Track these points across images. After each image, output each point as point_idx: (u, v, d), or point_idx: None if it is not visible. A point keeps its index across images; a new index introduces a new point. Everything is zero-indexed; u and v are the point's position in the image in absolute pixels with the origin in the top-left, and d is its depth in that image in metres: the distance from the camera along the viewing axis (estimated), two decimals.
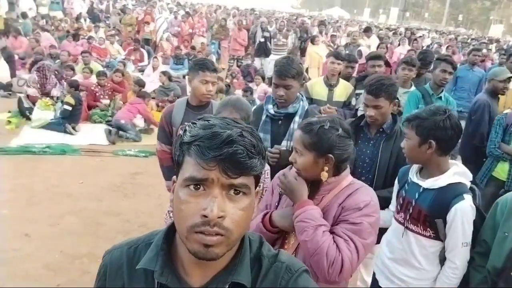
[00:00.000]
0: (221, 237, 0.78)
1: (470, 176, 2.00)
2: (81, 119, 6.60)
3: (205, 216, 0.77)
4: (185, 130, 0.83)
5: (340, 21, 25.91)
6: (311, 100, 4.41)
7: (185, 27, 13.43)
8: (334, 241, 1.53)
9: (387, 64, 5.20)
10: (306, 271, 0.93)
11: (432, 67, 3.98)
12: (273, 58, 10.93)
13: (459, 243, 1.89)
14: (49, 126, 6.34)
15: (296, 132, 1.68)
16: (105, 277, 0.95)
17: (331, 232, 1.57)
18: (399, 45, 11.96)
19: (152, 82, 8.67)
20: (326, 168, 1.63)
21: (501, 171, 3.72)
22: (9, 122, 6.29)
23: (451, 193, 1.90)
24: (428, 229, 1.97)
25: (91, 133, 6.45)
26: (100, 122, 6.82)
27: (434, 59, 4.06)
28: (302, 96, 2.74)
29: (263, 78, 9.16)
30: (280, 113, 2.61)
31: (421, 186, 2.00)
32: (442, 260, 2.01)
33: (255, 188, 0.86)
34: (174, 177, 0.87)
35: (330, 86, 4.44)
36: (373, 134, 2.61)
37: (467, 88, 6.31)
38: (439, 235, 1.96)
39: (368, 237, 1.56)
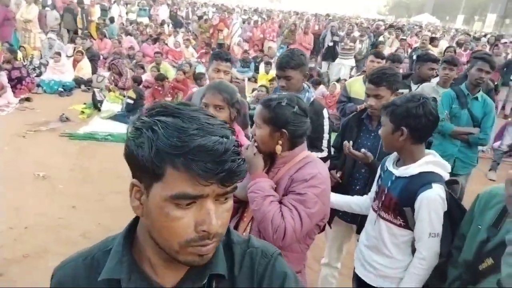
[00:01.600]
0: (215, 243, 0.78)
1: (447, 167, 1.93)
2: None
3: (204, 231, 0.74)
4: (154, 131, 0.72)
5: (428, 26, 24.73)
6: (349, 99, 4.39)
7: (256, 32, 13.86)
8: (280, 210, 1.64)
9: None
10: (280, 254, 0.92)
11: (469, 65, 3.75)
12: (339, 62, 10.87)
13: (426, 233, 1.84)
14: (115, 117, 7.00)
15: (258, 106, 1.79)
16: None
17: (280, 202, 1.68)
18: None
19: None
20: (280, 142, 1.73)
21: None
22: (82, 112, 7.06)
23: (420, 182, 1.85)
24: (398, 217, 1.94)
25: None
26: None
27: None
28: (308, 87, 2.81)
29: (328, 82, 9.23)
30: None
31: (394, 174, 1.98)
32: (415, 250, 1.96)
33: None
34: (135, 180, 0.77)
35: None
36: (374, 127, 2.58)
37: None
38: (409, 224, 1.92)
39: (313, 206, 1.65)
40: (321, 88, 8.72)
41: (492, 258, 1.55)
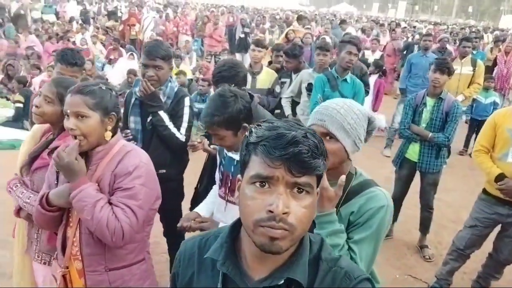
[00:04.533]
0: (286, 232, 0.82)
1: None
2: None
3: (271, 212, 0.81)
4: (250, 131, 0.88)
5: (346, 16, 25.70)
6: None
7: (170, 26, 13.56)
8: (113, 212, 1.59)
9: None
10: (367, 279, 0.93)
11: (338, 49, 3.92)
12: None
13: None
14: (7, 123, 6.50)
15: (73, 97, 1.63)
16: (179, 264, 1.05)
17: (110, 202, 1.62)
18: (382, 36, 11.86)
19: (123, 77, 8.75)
20: (109, 127, 1.68)
21: (412, 152, 3.66)
22: None
23: None
24: None
25: None
26: None
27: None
28: (170, 77, 2.75)
29: None
30: None
31: (234, 159, 2.00)
32: None
33: (316, 187, 0.89)
34: (239, 176, 0.91)
35: (253, 74, 4.44)
36: None
37: (421, 74, 6.21)
38: None
39: (143, 197, 1.66)
40: None
41: None
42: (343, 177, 1.28)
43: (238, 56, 11.75)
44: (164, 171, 2.44)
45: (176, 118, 2.66)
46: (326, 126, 1.40)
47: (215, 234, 1.02)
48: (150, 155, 2.43)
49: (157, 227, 2.65)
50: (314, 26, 14.05)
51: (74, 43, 11.15)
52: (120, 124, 1.80)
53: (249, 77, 4.44)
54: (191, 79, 8.26)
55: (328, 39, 6.99)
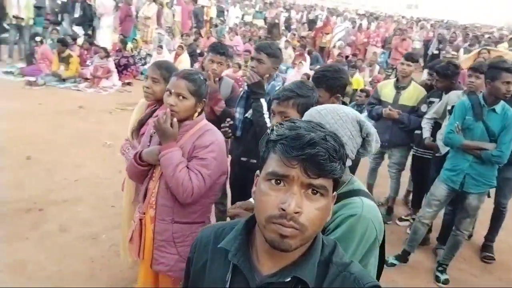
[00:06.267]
0: (296, 231, 0.84)
1: None
2: None
3: (283, 210, 0.83)
4: (272, 129, 0.92)
5: None
6: (379, 101, 4.36)
7: (360, 36, 13.64)
8: (189, 175, 1.99)
9: None
10: (377, 286, 0.93)
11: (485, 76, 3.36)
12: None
13: None
14: None
15: (179, 80, 2.01)
16: (195, 250, 1.08)
17: (187, 166, 2.02)
18: None
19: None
20: (198, 110, 2.09)
21: None
22: None
23: None
24: None
25: None
26: None
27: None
28: (276, 76, 2.96)
29: None
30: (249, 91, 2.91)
31: None
32: None
33: (333, 191, 0.91)
34: (258, 171, 0.95)
35: (398, 89, 4.28)
36: None
37: None
38: None
39: (212, 168, 2.02)
40: None
41: None
42: None
43: (425, 74, 11.04)
44: (255, 161, 2.69)
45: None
46: None
47: (231, 225, 1.04)
48: (246, 144, 2.75)
49: None
50: None
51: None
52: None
53: (394, 92, 4.30)
54: (356, 89, 8.23)
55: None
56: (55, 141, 5.64)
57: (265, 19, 18.53)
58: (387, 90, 4.36)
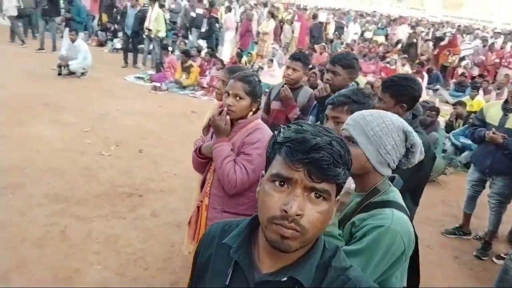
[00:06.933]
0: (296, 233, 0.85)
1: None
2: None
3: (285, 211, 0.84)
4: (279, 131, 0.92)
5: None
6: (484, 123, 4.01)
7: (491, 56, 12.37)
8: (234, 168, 2.17)
9: None
10: None
11: None
12: None
13: None
14: None
15: (236, 82, 2.20)
16: (202, 244, 1.11)
17: (235, 160, 2.20)
18: None
19: None
20: (253, 109, 2.26)
21: None
22: None
23: None
24: None
25: None
26: None
27: None
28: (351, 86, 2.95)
29: None
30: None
31: None
32: None
33: (336, 196, 0.91)
34: (263, 171, 0.96)
35: (506, 111, 3.86)
36: None
37: None
38: None
39: (256, 163, 2.14)
40: None
41: None
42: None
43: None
44: None
45: None
46: (349, 130, 1.41)
47: (238, 222, 1.06)
48: None
49: None
50: None
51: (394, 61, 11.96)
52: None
53: (500, 114, 3.89)
54: (471, 112, 7.51)
55: None
56: (165, 139, 6.32)
57: (386, 35, 17.96)
58: (493, 111, 3.96)
